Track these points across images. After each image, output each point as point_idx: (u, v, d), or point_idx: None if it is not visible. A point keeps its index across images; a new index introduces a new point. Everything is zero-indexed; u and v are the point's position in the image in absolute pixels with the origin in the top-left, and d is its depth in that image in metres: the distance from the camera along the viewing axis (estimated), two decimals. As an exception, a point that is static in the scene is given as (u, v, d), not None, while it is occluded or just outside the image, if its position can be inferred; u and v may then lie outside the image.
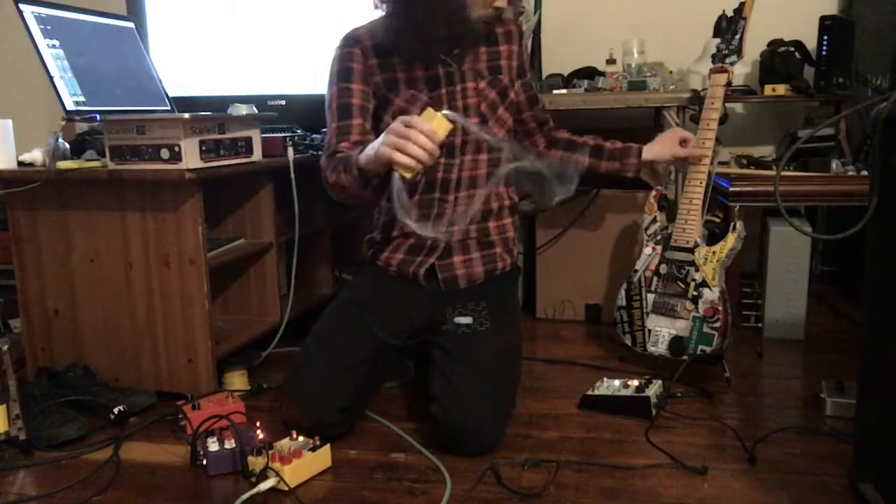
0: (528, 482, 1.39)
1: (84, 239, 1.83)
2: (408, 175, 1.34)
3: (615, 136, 1.91)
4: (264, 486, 1.35)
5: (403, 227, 1.70)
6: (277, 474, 1.37)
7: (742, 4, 1.91)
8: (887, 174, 1.17)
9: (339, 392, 1.56)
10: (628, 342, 1.96)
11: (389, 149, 1.33)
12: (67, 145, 1.87)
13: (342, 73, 1.64)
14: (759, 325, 2.24)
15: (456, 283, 1.69)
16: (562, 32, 2.81)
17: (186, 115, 1.70)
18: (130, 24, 2.12)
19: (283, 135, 2.06)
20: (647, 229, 1.97)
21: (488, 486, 1.38)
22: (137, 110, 2.00)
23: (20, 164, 1.86)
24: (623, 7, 2.87)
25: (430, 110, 1.36)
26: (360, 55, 1.64)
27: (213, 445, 1.46)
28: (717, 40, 1.94)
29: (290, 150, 2.02)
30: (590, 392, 1.75)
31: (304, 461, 1.41)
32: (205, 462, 1.46)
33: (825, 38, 2.40)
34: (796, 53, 2.46)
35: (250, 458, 1.40)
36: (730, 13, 1.94)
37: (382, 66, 1.65)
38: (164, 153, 1.70)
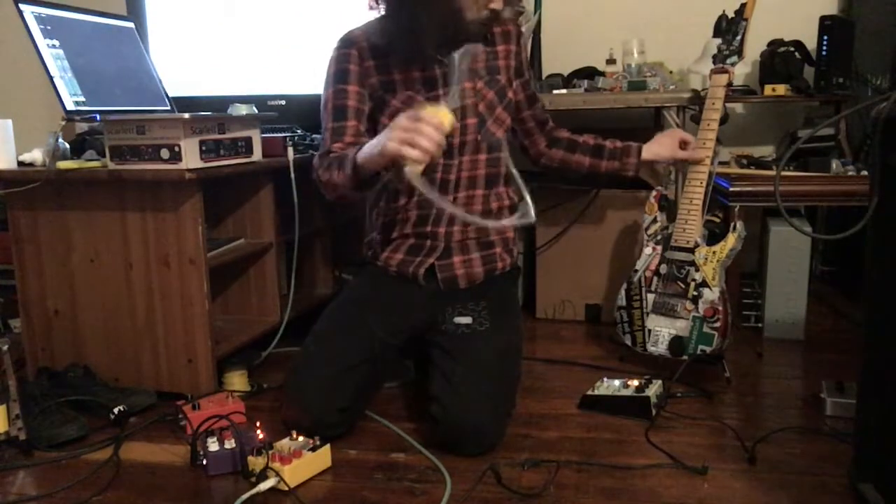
0: (528, 482, 1.39)
1: (84, 239, 1.83)
2: (419, 169, 1.35)
3: (615, 136, 1.91)
4: (264, 486, 1.36)
5: (403, 228, 1.70)
6: (277, 474, 1.37)
7: (743, 5, 1.91)
8: (887, 174, 1.17)
9: (339, 392, 1.56)
10: (628, 342, 1.96)
11: (397, 143, 1.34)
12: (67, 145, 1.87)
13: (338, 74, 1.65)
14: (759, 325, 2.24)
15: (456, 283, 1.69)
16: (562, 32, 2.81)
17: (186, 115, 1.70)
18: (130, 24, 2.12)
19: (283, 135, 2.06)
20: (647, 229, 1.97)
21: (488, 486, 1.38)
22: (137, 110, 2.00)
23: (20, 164, 1.86)
24: (623, 7, 2.87)
25: (432, 106, 1.37)
26: (357, 57, 1.64)
27: (213, 445, 1.46)
28: (718, 40, 1.94)
29: (290, 150, 2.02)
30: (590, 392, 1.75)
31: (304, 461, 1.41)
32: (205, 462, 1.46)
33: (825, 38, 2.40)
34: (796, 53, 2.46)
35: (250, 458, 1.40)
36: (730, 13, 1.94)
37: (379, 68, 1.65)
38: (164, 153, 1.70)
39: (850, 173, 2.13)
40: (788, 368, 2.00)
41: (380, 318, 1.65)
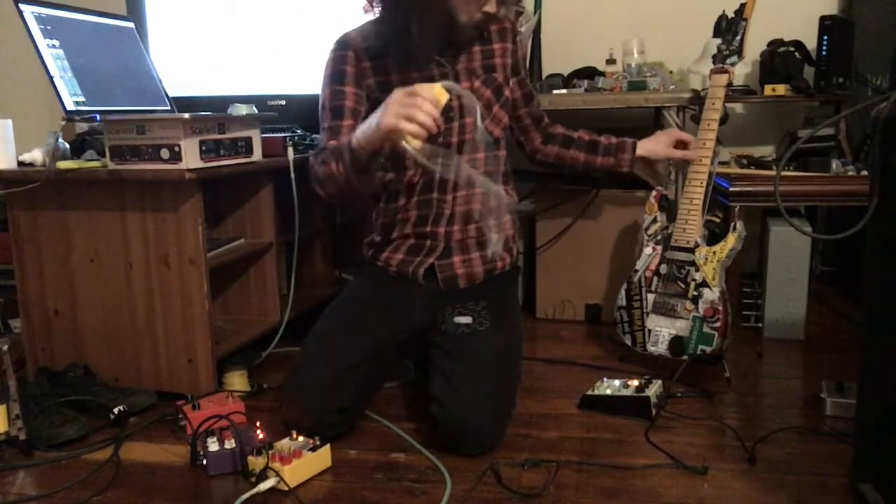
0: (528, 482, 1.39)
1: (84, 239, 1.83)
2: (417, 144, 1.35)
3: (615, 135, 1.92)
4: (264, 486, 1.36)
5: (403, 229, 1.70)
6: (277, 474, 1.37)
7: (743, 5, 1.91)
8: (887, 174, 1.17)
9: (339, 392, 1.56)
10: (628, 342, 1.96)
11: (394, 118, 1.35)
12: (67, 145, 1.87)
13: (335, 75, 1.65)
14: (759, 325, 2.24)
15: (455, 283, 1.69)
16: (562, 32, 2.81)
17: (186, 115, 1.70)
18: (130, 24, 2.12)
19: (283, 135, 2.06)
20: (647, 229, 1.97)
21: (488, 486, 1.38)
22: (137, 110, 2.00)
23: (20, 164, 1.86)
24: (623, 7, 2.87)
25: (426, 84, 1.37)
26: (354, 58, 1.64)
27: (213, 445, 1.46)
28: (718, 40, 1.94)
29: (290, 150, 2.02)
30: (590, 392, 1.75)
31: (304, 461, 1.41)
32: (205, 462, 1.46)
33: (825, 38, 2.40)
34: (796, 53, 2.46)
35: (250, 458, 1.41)
36: (730, 13, 1.94)
37: (376, 69, 1.65)
38: (164, 153, 1.70)
39: (850, 173, 2.13)
40: (788, 368, 2.00)
41: (380, 317, 1.65)
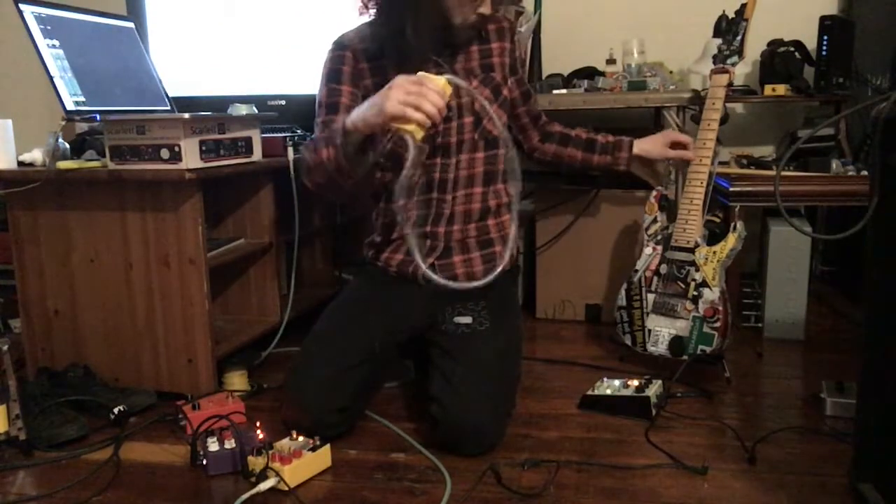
0: (528, 482, 1.39)
1: (84, 239, 1.83)
2: (418, 135, 1.32)
3: (614, 135, 1.92)
4: (264, 486, 1.36)
5: (403, 229, 1.70)
6: (277, 474, 1.37)
7: (743, 5, 1.91)
8: (887, 174, 1.17)
9: (339, 392, 1.56)
10: (628, 342, 1.96)
11: (400, 105, 1.31)
12: (67, 145, 1.87)
13: (332, 74, 1.65)
14: (759, 325, 2.24)
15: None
16: (562, 32, 2.81)
17: (186, 115, 1.70)
18: (130, 24, 2.12)
19: (283, 135, 2.06)
20: (647, 229, 1.97)
21: (488, 486, 1.38)
22: (137, 110, 2.00)
23: (20, 164, 1.86)
24: (623, 7, 2.87)
25: (431, 75, 1.34)
26: (352, 58, 1.64)
27: (213, 445, 1.46)
28: (718, 40, 1.94)
29: (290, 150, 2.02)
30: (590, 392, 1.75)
31: (304, 461, 1.41)
32: (205, 462, 1.46)
33: (825, 38, 2.40)
34: (796, 53, 2.47)
35: (250, 458, 1.40)
36: (730, 13, 1.94)
37: (373, 70, 1.64)
38: (164, 153, 1.70)
39: (850, 173, 2.13)
40: (788, 368, 2.00)
41: (380, 317, 1.65)
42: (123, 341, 1.84)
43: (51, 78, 1.76)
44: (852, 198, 2.00)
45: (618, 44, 2.58)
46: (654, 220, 1.97)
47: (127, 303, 1.82)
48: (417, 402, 1.78)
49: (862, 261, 1.26)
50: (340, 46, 1.66)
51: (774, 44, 2.49)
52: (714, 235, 1.89)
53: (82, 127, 2.07)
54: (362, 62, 1.64)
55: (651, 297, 1.92)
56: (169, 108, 2.11)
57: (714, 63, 1.92)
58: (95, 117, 1.79)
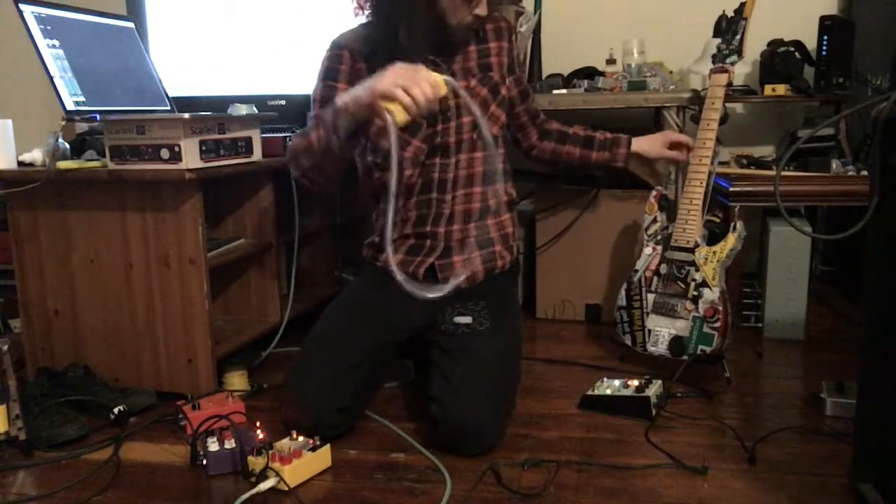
0: (528, 482, 1.39)
1: (84, 239, 1.83)
2: (400, 117, 1.32)
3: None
4: (264, 486, 1.36)
5: (403, 229, 1.70)
6: (277, 474, 1.37)
7: (743, 5, 1.91)
8: (887, 174, 1.17)
9: (339, 392, 1.56)
10: (628, 342, 1.96)
11: (390, 85, 1.33)
12: (67, 145, 1.87)
13: (329, 71, 1.65)
14: (759, 325, 2.24)
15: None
16: (562, 32, 2.81)
17: (186, 115, 1.70)
18: (130, 24, 2.12)
19: (283, 135, 2.06)
20: (647, 229, 1.97)
21: (488, 486, 1.38)
22: (137, 110, 2.00)
23: (20, 164, 1.86)
24: (623, 7, 2.87)
25: (429, 70, 1.35)
26: (349, 58, 1.64)
27: (213, 445, 1.46)
28: (718, 40, 1.94)
29: (290, 151, 2.02)
30: (590, 392, 1.75)
31: (304, 461, 1.41)
32: (205, 462, 1.46)
33: (825, 38, 2.40)
34: (796, 53, 2.46)
35: (250, 458, 1.41)
36: (730, 13, 1.95)
37: (370, 70, 1.63)
38: (164, 153, 1.70)
39: (850, 173, 2.13)
40: (788, 368, 2.00)
41: (380, 317, 1.65)
42: (123, 341, 1.84)
43: (51, 78, 1.76)
44: (852, 198, 2.00)
45: (618, 44, 2.58)
46: (654, 220, 1.97)
47: (127, 303, 1.82)
48: (417, 402, 1.78)
49: (862, 261, 1.26)
50: (338, 46, 1.66)
51: (774, 44, 2.49)
52: (714, 235, 1.89)
53: (82, 127, 2.07)
54: (359, 62, 1.64)
55: (651, 297, 1.92)
56: (169, 108, 2.11)
57: (713, 62, 1.92)
58: (95, 117, 1.79)
